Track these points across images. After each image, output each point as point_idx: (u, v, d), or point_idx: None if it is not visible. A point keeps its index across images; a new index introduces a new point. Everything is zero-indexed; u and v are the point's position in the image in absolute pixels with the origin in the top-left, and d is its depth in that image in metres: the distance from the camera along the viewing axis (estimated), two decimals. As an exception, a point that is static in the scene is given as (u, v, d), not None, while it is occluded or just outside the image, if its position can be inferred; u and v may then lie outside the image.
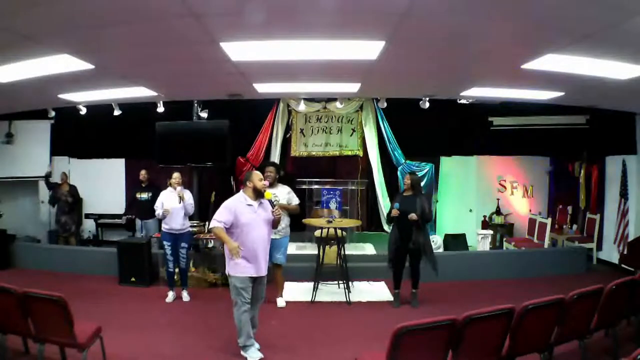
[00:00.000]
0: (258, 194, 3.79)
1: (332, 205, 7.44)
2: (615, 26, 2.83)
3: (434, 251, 5.43)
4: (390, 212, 5.17)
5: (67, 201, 7.38)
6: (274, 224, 3.90)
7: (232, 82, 4.97)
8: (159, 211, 5.32)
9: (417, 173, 7.15)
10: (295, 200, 5.16)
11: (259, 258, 3.73)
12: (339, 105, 7.69)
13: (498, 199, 8.21)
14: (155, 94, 5.75)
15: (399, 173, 7.97)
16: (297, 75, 4.87)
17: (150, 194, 6.68)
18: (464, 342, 2.70)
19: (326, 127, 8.51)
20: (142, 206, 6.78)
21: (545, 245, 7.06)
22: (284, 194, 5.10)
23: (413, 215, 4.90)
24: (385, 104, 7.20)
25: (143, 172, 6.92)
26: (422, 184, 7.60)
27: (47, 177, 7.52)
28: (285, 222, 5.10)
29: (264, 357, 3.79)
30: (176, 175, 5.39)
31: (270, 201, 3.89)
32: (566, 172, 8.02)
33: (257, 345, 3.83)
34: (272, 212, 3.81)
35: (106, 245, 7.76)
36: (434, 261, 5.09)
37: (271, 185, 5.05)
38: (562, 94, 5.28)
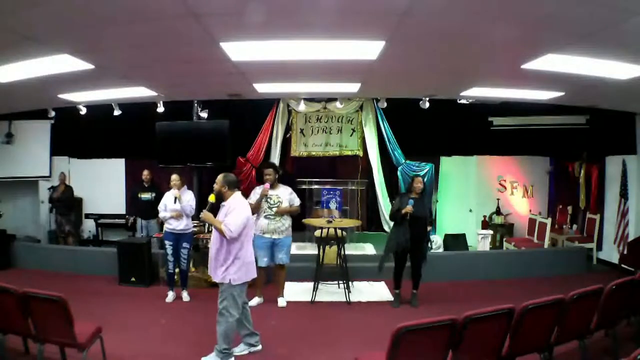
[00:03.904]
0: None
1: (332, 206, 7.44)
2: (615, 26, 2.83)
3: (433, 251, 5.44)
4: (398, 209, 5.02)
5: (61, 202, 7.47)
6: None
7: (232, 82, 4.97)
8: (163, 213, 5.33)
9: (418, 173, 7.18)
10: (297, 202, 5.16)
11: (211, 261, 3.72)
12: (339, 105, 7.69)
13: (498, 199, 8.21)
14: (155, 94, 5.75)
15: (399, 173, 7.96)
16: (297, 75, 4.87)
17: (153, 195, 6.70)
18: (464, 342, 2.70)
19: (326, 127, 8.51)
20: (145, 206, 6.79)
21: (545, 245, 7.06)
22: (286, 195, 5.09)
23: (429, 228, 5.04)
24: (385, 104, 7.20)
25: (146, 172, 6.91)
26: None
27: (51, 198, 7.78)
28: (287, 222, 5.10)
29: (264, 357, 3.79)
30: (174, 177, 5.41)
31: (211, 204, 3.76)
32: (566, 172, 8.02)
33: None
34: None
35: (106, 245, 7.76)
36: (424, 260, 5.14)
37: (272, 186, 5.05)
38: (562, 94, 5.28)
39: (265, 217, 5.04)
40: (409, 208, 4.89)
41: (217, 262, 3.65)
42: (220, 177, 3.72)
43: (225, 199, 3.69)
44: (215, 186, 3.73)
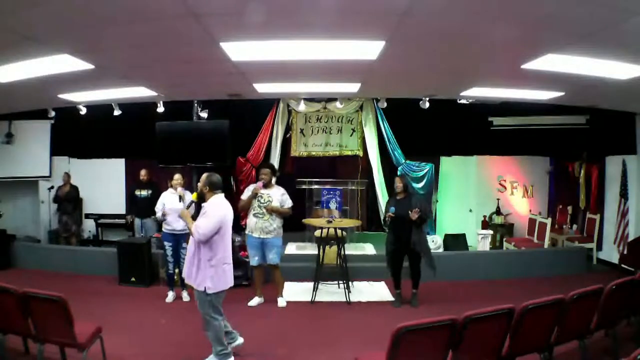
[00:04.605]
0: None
1: (332, 206, 7.43)
2: (615, 26, 2.83)
3: (433, 251, 5.44)
4: (385, 216, 5.19)
5: (68, 202, 7.49)
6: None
7: (232, 82, 4.97)
8: (159, 213, 5.33)
9: (409, 174, 7.17)
10: (288, 203, 5.16)
11: (186, 264, 3.67)
12: (339, 105, 7.69)
13: (498, 199, 8.21)
14: (155, 94, 5.75)
15: (399, 173, 7.96)
16: (297, 75, 4.87)
17: (149, 192, 6.72)
18: (464, 342, 2.70)
19: (326, 127, 8.50)
20: (141, 204, 6.79)
21: (545, 245, 7.06)
22: (278, 195, 5.11)
23: (414, 215, 4.88)
24: (385, 104, 7.20)
25: (143, 171, 6.93)
26: (422, 184, 7.63)
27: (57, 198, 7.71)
28: (275, 223, 5.10)
29: (264, 357, 3.79)
30: (177, 177, 5.40)
31: (192, 202, 3.79)
32: (566, 172, 8.02)
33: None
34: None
35: (106, 245, 7.76)
36: (432, 261, 5.09)
37: (266, 186, 5.09)
38: (562, 94, 5.29)
39: (254, 215, 5.08)
40: (389, 215, 5.05)
41: (192, 266, 3.57)
42: (204, 176, 3.64)
43: (205, 199, 3.61)
44: (199, 184, 3.69)
